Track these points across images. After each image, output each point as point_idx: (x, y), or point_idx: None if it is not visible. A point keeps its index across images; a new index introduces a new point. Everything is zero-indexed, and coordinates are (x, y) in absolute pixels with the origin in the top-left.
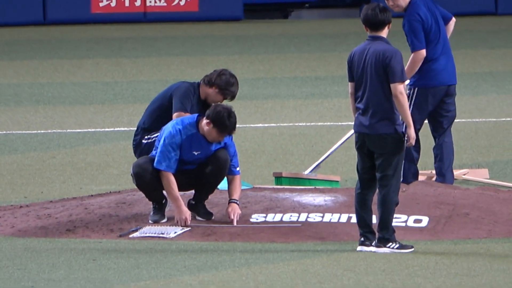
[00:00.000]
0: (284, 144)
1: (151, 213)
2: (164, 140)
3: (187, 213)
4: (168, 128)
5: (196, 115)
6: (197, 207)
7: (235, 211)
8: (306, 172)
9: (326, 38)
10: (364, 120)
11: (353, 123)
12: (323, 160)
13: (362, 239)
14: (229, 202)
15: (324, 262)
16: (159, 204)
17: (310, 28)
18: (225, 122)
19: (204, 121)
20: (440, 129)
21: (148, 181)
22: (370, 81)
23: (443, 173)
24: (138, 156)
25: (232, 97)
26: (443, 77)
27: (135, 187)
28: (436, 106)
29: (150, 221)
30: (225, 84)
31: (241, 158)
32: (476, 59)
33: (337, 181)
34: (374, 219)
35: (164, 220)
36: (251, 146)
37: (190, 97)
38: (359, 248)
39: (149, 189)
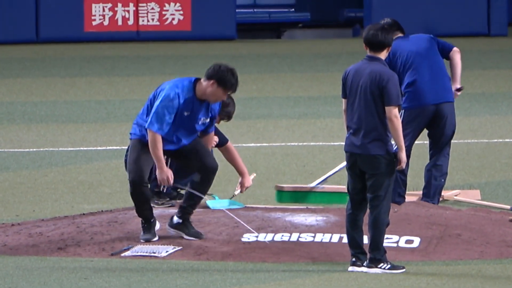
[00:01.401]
0: (276, 164)
1: (142, 232)
2: (162, 101)
3: (169, 172)
4: (166, 89)
5: (193, 78)
6: (185, 226)
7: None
8: (313, 184)
9: (319, 58)
10: (356, 140)
11: None
12: (333, 174)
13: (354, 259)
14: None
15: (315, 282)
16: (148, 223)
17: (303, 48)
18: (230, 80)
19: (206, 82)
20: (434, 148)
21: (143, 191)
22: (365, 101)
23: (432, 196)
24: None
25: (229, 118)
26: (427, 97)
27: (127, 206)
28: (428, 126)
29: (141, 240)
30: (220, 104)
31: (233, 177)
32: (469, 80)
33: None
34: (366, 240)
35: (156, 239)
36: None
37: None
38: (350, 268)
39: (142, 200)
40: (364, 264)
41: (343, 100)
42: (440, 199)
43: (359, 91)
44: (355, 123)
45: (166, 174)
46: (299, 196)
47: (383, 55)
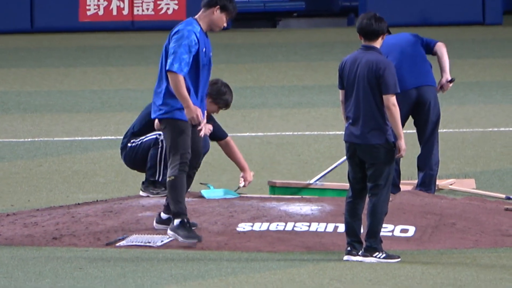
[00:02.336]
0: (271, 153)
1: (182, 233)
2: (177, 41)
3: (198, 110)
4: (179, 31)
5: (190, 18)
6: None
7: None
8: (312, 180)
9: (313, 47)
10: (355, 130)
11: (341, 131)
12: (332, 169)
13: (349, 248)
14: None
15: (310, 271)
16: (187, 219)
17: (298, 37)
18: (233, 3)
19: (209, 11)
20: (422, 136)
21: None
22: (363, 91)
23: (427, 184)
24: (123, 160)
25: (226, 106)
26: (407, 82)
27: (122, 196)
28: (412, 113)
29: (187, 242)
30: (217, 93)
31: (228, 167)
32: (464, 69)
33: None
34: (362, 229)
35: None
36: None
37: None
38: (345, 257)
39: (184, 187)
40: (360, 253)
41: (340, 91)
42: (436, 188)
43: (356, 81)
44: (354, 113)
45: (195, 112)
46: (292, 192)
47: (378, 43)
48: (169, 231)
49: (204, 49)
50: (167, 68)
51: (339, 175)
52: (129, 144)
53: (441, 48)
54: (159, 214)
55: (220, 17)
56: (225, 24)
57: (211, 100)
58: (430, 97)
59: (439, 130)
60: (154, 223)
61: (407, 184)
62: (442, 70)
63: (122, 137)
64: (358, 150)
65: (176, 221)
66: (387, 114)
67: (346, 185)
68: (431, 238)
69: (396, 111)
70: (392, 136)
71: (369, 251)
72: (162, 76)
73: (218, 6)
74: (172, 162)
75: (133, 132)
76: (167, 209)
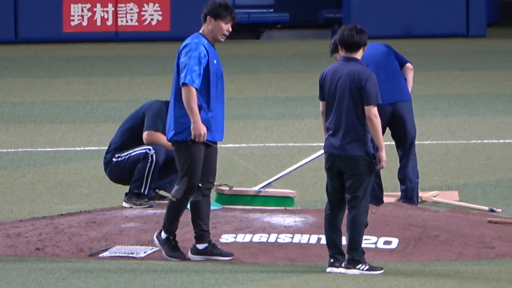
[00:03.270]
0: (255, 165)
1: (166, 250)
2: (187, 54)
3: (204, 129)
4: (188, 45)
5: (195, 33)
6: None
7: None
8: (257, 188)
9: (297, 58)
10: (335, 141)
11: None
12: (277, 178)
13: (332, 260)
14: None
15: (293, 283)
16: (175, 239)
17: (282, 48)
18: (225, 7)
19: (205, 24)
20: (401, 149)
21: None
22: (343, 102)
23: (410, 197)
24: (108, 175)
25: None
26: (382, 98)
27: (105, 207)
28: (390, 127)
29: (170, 258)
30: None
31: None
32: (447, 81)
33: (292, 198)
34: (344, 241)
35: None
36: (222, 166)
37: (162, 116)
38: (328, 269)
39: (182, 209)
40: (342, 265)
41: (321, 103)
42: (419, 200)
43: (338, 92)
44: (334, 124)
45: (201, 130)
46: (238, 200)
47: (359, 55)
48: (155, 240)
49: (214, 61)
50: (181, 82)
51: (284, 182)
52: (114, 159)
53: (408, 72)
54: (194, 246)
55: (217, 25)
56: (226, 31)
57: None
58: (405, 112)
59: (423, 142)
60: (190, 254)
61: (390, 196)
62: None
63: (106, 148)
64: (338, 161)
65: (164, 235)
66: (368, 125)
67: (289, 192)
68: (414, 250)
69: (377, 122)
70: (372, 147)
71: (351, 263)
72: (175, 95)
73: (211, 16)
74: (180, 183)
75: (116, 148)
76: (199, 239)
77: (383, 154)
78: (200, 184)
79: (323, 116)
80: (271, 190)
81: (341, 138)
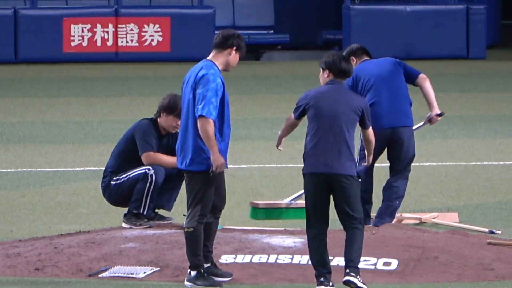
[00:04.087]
0: (255, 186)
1: (202, 282)
2: (205, 85)
3: (223, 160)
4: (205, 75)
5: (207, 60)
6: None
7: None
8: (286, 200)
9: (297, 79)
10: (331, 161)
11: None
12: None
13: (322, 279)
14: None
15: None
16: (202, 267)
17: (282, 69)
18: (244, 41)
19: (225, 52)
20: (393, 171)
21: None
22: (340, 124)
23: (382, 215)
24: (107, 198)
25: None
26: (384, 121)
27: (104, 227)
28: (388, 149)
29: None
30: (168, 104)
31: None
32: (447, 103)
33: None
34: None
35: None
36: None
37: (152, 133)
38: None
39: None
40: (357, 277)
41: (294, 120)
42: (417, 221)
43: (336, 116)
44: (331, 144)
45: (222, 159)
46: (273, 213)
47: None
48: (186, 283)
49: (225, 89)
50: (197, 113)
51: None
52: (112, 182)
53: (424, 82)
54: (190, 273)
55: (235, 57)
56: (237, 63)
57: (166, 114)
58: (405, 137)
59: (423, 164)
60: (185, 282)
61: (410, 218)
62: (430, 104)
63: (104, 168)
64: (333, 181)
65: (193, 273)
66: (365, 145)
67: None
68: (413, 272)
69: (374, 142)
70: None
71: (356, 272)
72: (188, 124)
73: (234, 47)
74: (192, 212)
75: (112, 171)
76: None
77: (370, 158)
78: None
79: (291, 129)
80: (301, 202)
81: (339, 158)
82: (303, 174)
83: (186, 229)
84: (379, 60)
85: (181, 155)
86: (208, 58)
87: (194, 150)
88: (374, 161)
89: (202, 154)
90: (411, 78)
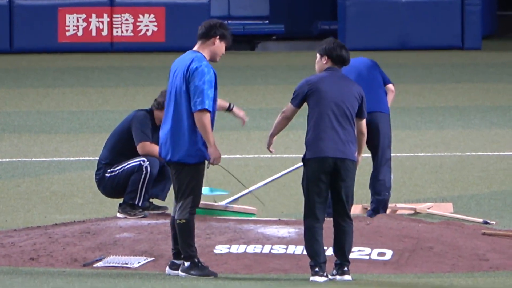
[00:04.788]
0: (249, 176)
1: (197, 272)
2: (200, 78)
3: (220, 153)
4: (198, 68)
5: (194, 52)
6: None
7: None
8: (224, 202)
9: (292, 70)
10: (340, 145)
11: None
12: (246, 193)
13: (317, 269)
14: (231, 108)
15: None
16: (198, 260)
17: (277, 60)
18: (229, 30)
19: (209, 42)
20: (374, 160)
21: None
22: (347, 110)
23: (376, 210)
24: (102, 190)
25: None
26: None
27: (99, 217)
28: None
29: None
30: (165, 98)
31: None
32: (442, 93)
33: (253, 214)
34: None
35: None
36: (216, 177)
37: (148, 124)
38: (313, 278)
39: (193, 230)
40: (325, 274)
41: (293, 109)
42: (412, 212)
43: (336, 100)
44: (336, 128)
45: (219, 152)
46: (210, 213)
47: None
48: (180, 273)
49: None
50: (197, 107)
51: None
52: (107, 174)
53: (389, 93)
54: (172, 261)
55: (220, 46)
56: (223, 53)
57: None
58: (380, 122)
59: (418, 154)
60: (180, 272)
61: (403, 209)
62: None
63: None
64: (341, 165)
65: (187, 263)
66: (359, 137)
67: (250, 208)
68: (408, 262)
69: (365, 136)
70: None
71: (348, 267)
72: (181, 117)
73: (217, 36)
74: (184, 204)
75: (106, 163)
76: (178, 255)
77: (360, 158)
78: None
79: (286, 121)
80: (236, 206)
81: (346, 143)
82: (307, 160)
83: (178, 221)
84: (356, 58)
85: (170, 147)
86: (194, 49)
87: (190, 143)
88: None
89: (196, 147)
90: (382, 81)
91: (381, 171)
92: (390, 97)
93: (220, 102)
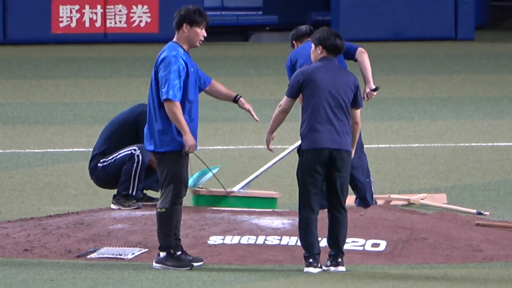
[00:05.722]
0: (243, 167)
1: (171, 261)
2: (166, 68)
3: (194, 140)
4: (165, 59)
5: (171, 42)
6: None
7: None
8: (236, 188)
9: (285, 61)
10: (336, 137)
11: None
12: (256, 176)
13: (311, 260)
14: (238, 99)
15: (281, 285)
16: (178, 250)
17: (270, 51)
18: (199, 13)
19: (180, 31)
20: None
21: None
22: (342, 100)
23: (363, 197)
24: (95, 181)
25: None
26: None
27: (93, 208)
28: None
29: (176, 268)
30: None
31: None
32: (436, 84)
33: (275, 199)
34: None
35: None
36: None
37: None
38: (306, 269)
39: (177, 219)
40: (319, 265)
41: (289, 100)
42: (405, 203)
43: (332, 90)
44: (332, 119)
45: (193, 140)
46: (215, 200)
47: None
48: (155, 264)
49: (192, 69)
50: (163, 97)
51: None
52: (99, 165)
53: (362, 56)
54: (159, 254)
55: (193, 32)
56: (202, 36)
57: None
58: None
59: (411, 145)
60: (154, 263)
61: (378, 198)
62: (365, 79)
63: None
64: (337, 156)
65: (163, 254)
66: (354, 128)
67: (270, 193)
68: (402, 253)
69: (360, 126)
70: None
71: (342, 259)
72: (154, 106)
73: (185, 23)
74: (165, 193)
75: (100, 153)
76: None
77: (354, 147)
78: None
79: (284, 114)
80: (250, 191)
81: (341, 134)
82: (303, 151)
83: (158, 210)
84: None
85: (148, 138)
86: (174, 40)
87: (160, 132)
88: None
89: (167, 135)
90: (350, 54)
91: (355, 157)
92: (365, 60)
93: (227, 92)
